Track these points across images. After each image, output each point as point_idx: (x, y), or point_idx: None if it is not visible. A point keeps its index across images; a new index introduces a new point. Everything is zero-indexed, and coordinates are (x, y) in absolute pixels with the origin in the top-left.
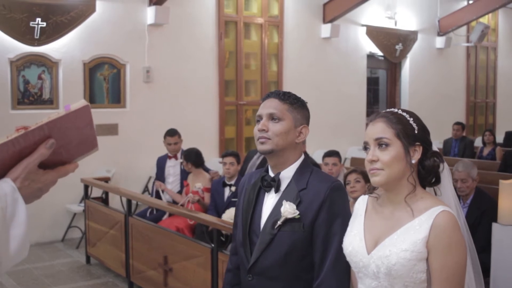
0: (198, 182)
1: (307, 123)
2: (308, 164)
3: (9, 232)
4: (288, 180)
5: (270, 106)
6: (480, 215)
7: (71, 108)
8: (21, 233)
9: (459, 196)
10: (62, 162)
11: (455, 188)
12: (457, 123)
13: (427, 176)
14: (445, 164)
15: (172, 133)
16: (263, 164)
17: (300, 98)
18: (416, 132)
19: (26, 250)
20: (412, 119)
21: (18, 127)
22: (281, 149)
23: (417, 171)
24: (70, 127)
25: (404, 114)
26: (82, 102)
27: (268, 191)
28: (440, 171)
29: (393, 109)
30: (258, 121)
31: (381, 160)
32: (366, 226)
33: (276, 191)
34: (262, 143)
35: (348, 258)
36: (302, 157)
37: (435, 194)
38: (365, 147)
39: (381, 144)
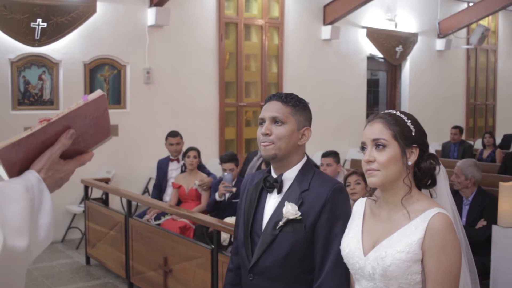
0: (196, 180)
1: (309, 124)
2: (311, 166)
3: (38, 222)
4: (291, 181)
5: (273, 109)
6: (481, 212)
7: (89, 98)
8: (48, 221)
9: (461, 196)
10: (79, 152)
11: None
12: (455, 127)
13: (422, 178)
14: (442, 166)
15: (174, 134)
16: (262, 166)
17: (302, 99)
18: (413, 134)
19: (51, 236)
20: (409, 121)
21: (41, 119)
22: (285, 152)
23: (413, 173)
24: (88, 117)
25: (402, 116)
26: (98, 92)
27: (271, 191)
28: (436, 174)
29: (391, 110)
30: (261, 124)
31: (378, 161)
32: (364, 228)
33: (279, 192)
34: (265, 147)
35: (345, 260)
36: (305, 158)
37: (431, 196)
38: (363, 148)
39: (378, 145)
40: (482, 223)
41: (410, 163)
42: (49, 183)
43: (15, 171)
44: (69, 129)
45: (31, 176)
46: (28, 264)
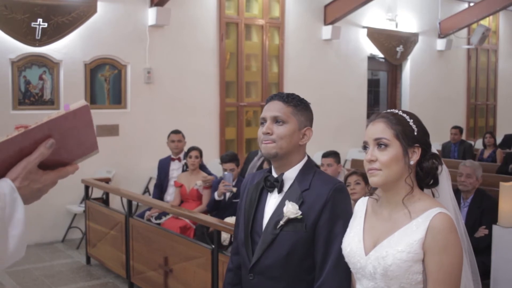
0: (198, 181)
1: (311, 124)
2: (312, 166)
3: (7, 232)
4: (291, 181)
5: (274, 108)
6: (480, 214)
7: (71, 107)
8: (19, 233)
9: (460, 195)
10: (63, 163)
11: (458, 183)
12: (455, 127)
13: (424, 178)
14: (444, 166)
15: (176, 131)
16: (263, 166)
17: (303, 99)
18: (415, 133)
19: (24, 249)
20: (412, 120)
21: (18, 125)
22: (286, 151)
23: (415, 173)
24: (70, 127)
25: (404, 115)
26: (81, 102)
27: (271, 191)
28: (438, 173)
29: (393, 110)
30: (262, 123)
31: (380, 160)
32: (366, 227)
33: (279, 191)
34: (266, 145)
35: (346, 259)
36: (306, 158)
37: (433, 195)
38: (365, 147)
39: (380, 144)
40: (483, 231)
41: (412, 162)
42: (25, 193)
43: None
44: (49, 138)
45: (4, 184)
46: None
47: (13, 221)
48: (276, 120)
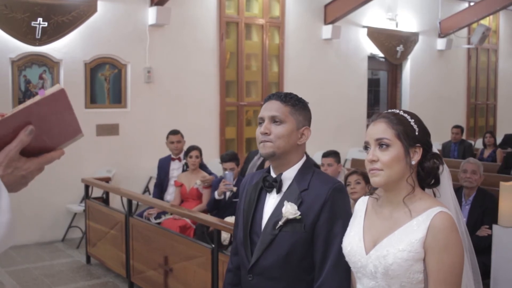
0: (198, 180)
1: (309, 124)
2: (310, 165)
3: None
4: (290, 181)
5: (272, 108)
6: (482, 213)
7: (46, 93)
8: (6, 221)
9: (461, 194)
10: (47, 150)
11: (463, 180)
12: (456, 126)
13: (426, 178)
14: (445, 166)
15: (175, 132)
16: (263, 165)
17: (301, 99)
18: (416, 133)
19: (13, 237)
20: (413, 120)
21: None
22: (284, 151)
23: (417, 172)
24: (48, 112)
25: (406, 115)
26: (57, 87)
27: (270, 191)
28: (440, 173)
29: (394, 110)
30: (260, 123)
31: (381, 160)
32: (366, 226)
33: (278, 191)
34: (264, 146)
35: (347, 258)
36: (304, 158)
37: (434, 195)
38: (366, 147)
39: (381, 144)
40: (486, 231)
41: (413, 162)
42: (10, 181)
43: None
44: (28, 125)
45: None
46: None
47: None
48: (274, 119)
